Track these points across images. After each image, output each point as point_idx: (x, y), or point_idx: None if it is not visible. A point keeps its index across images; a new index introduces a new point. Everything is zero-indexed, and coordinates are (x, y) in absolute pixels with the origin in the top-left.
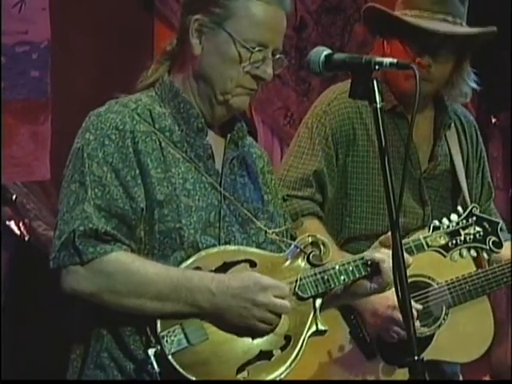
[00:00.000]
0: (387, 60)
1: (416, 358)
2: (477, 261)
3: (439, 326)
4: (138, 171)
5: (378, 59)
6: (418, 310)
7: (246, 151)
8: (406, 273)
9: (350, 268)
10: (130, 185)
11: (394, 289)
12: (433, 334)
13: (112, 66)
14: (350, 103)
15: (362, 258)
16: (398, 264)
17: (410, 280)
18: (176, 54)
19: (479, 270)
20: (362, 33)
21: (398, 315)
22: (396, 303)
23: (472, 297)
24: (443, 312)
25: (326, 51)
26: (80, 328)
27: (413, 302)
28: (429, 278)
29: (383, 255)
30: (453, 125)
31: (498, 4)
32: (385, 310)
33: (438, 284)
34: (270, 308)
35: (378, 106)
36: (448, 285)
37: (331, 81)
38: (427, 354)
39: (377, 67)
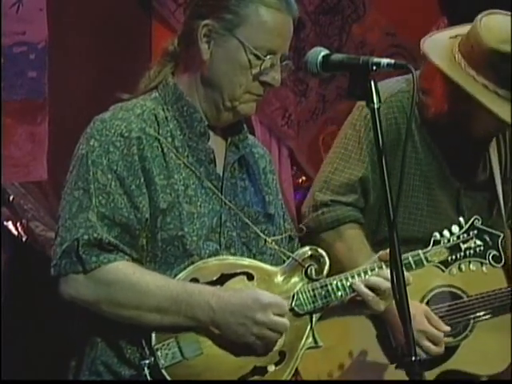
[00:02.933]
0: (385, 61)
1: (414, 358)
2: (509, 276)
3: (465, 337)
4: (142, 179)
5: (376, 60)
6: (445, 331)
7: (248, 152)
8: (404, 280)
9: (348, 284)
10: (135, 194)
11: (423, 306)
12: (458, 345)
13: (109, 66)
14: (399, 108)
15: (359, 275)
16: (397, 270)
17: (441, 290)
18: (179, 55)
19: (510, 288)
20: (360, 33)
21: (424, 341)
22: (423, 327)
23: (500, 313)
24: (470, 325)
25: (324, 52)
26: (77, 335)
27: (442, 324)
28: (460, 289)
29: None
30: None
31: (498, 3)
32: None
33: (468, 297)
34: (269, 326)
35: (376, 106)
36: (477, 299)
37: (329, 81)
38: (450, 364)
39: (374, 68)
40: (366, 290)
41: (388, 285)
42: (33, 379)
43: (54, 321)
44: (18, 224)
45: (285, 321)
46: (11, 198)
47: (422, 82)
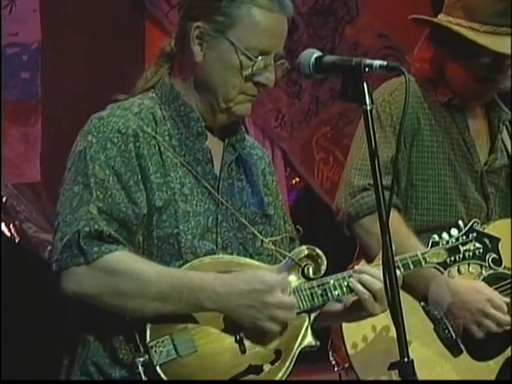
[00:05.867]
0: (377, 62)
1: (406, 359)
2: None
3: None
4: (139, 176)
5: (368, 61)
6: (507, 303)
7: (247, 153)
8: (397, 281)
9: (345, 283)
10: (133, 189)
11: (480, 281)
12: None
13: (102, 67)
14: (412, 93)
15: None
16: (390, 272)
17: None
18: (175, 56)
19: None
20: (353, 35)
21: (490, 309)
22: (488, 295)
23: None
24: None
25: (317, 53)
26: (69, 334)
27: (501, 296)
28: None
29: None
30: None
31: None
32: (475, 303)
33: None
34: (280, 306)
35: (368, 108)
36: None
37: (322, 83)
38: None
39: (367, 69)
40: (362, 289)
41: (380, 285)
42: (28, 379)
43: (46, 321)
44: (11, 225)
45: (292, 298)
46: (4, 199)
47: (415, 63)
